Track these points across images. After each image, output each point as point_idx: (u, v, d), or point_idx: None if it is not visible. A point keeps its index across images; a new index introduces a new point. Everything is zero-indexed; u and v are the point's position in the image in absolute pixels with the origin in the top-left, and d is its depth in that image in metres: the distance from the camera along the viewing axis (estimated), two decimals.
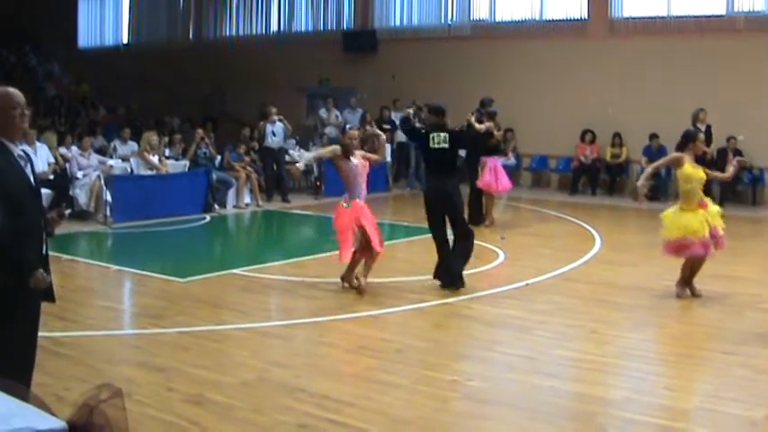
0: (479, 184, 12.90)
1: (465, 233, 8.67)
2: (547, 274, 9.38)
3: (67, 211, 4.96)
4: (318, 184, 16.97)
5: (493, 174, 12.90)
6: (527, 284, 8.90)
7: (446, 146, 8.58)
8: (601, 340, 6.91)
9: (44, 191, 10.59)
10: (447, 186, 8.58)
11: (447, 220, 8.67)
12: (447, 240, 8.66)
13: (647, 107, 16.84)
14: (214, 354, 6.38)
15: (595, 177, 17.77)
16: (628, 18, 17.70)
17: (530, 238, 12.20)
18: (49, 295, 4.44)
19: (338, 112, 19.23)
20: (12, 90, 4.25)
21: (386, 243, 9.58)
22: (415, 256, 9.46)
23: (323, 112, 19.39)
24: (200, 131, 15.32)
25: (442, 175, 8.64)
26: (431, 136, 8.60)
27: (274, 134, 16.29)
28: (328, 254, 10.02)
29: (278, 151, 16.37)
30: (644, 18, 17.47)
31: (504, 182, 13.19)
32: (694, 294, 8.28)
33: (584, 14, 18.24)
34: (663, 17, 17.25)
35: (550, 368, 6.15)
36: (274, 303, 8.33)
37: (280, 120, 16.37)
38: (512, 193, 14.80)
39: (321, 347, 6.75)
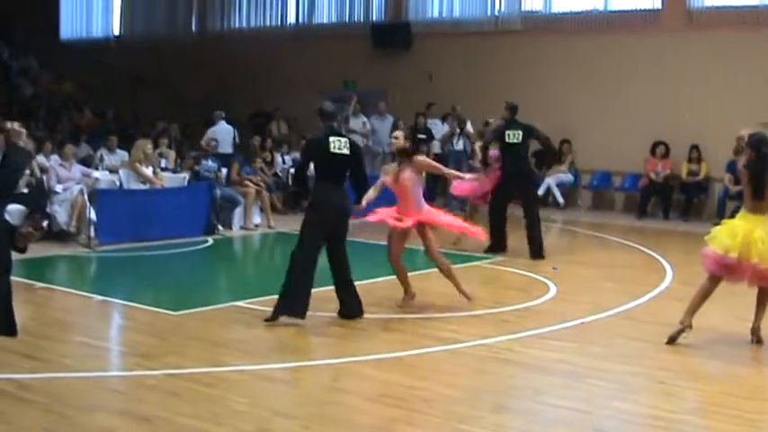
0: None
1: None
2: (606, 312, 9.32)
3: (45, 223, 4.95)
4: None
5: None
6: (582, 323, 8.86)
7: (347, 152, 8.53)
8: (670, 392, 6.85)
9: (16, 207, 10.83)
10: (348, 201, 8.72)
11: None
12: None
13: (731, 114, 16.52)
14: (208, 400, 6.39)
15: (668, 198, 17.67)
16: (710, 7, 17.67)
17: (587, 269, 12.16)
18: (7, 328, 4.42)
19: (366, 119, 19.26)
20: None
21: (414, 273, 9.62)
22: (448, 288, 9.42)
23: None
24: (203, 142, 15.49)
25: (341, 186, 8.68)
26: (330, 140, 8.53)
27: None
28: None
29: None
30: (728, 7, 17.41)
31: None
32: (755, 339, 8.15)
33: (657, 4, 18.25)
34: (752, 6, 17.17)
35: (609, 424, 6.11)
36: (281, 342, 8.32)
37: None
38: (568, 215, 14.71)
39: (334, 394, 6.74)
